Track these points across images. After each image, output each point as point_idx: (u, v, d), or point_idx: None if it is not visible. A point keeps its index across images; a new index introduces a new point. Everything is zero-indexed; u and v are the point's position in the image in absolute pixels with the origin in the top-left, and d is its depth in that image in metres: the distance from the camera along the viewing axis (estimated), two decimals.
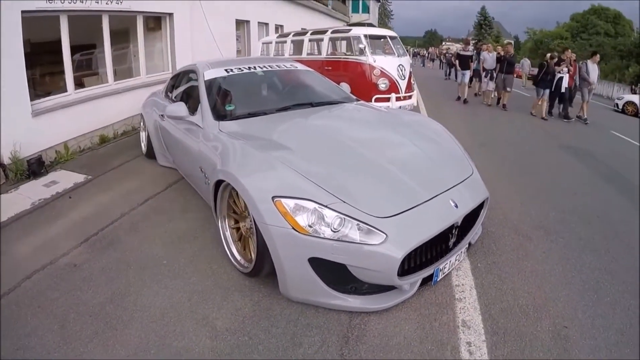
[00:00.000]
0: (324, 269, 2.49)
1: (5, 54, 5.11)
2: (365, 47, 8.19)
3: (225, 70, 4.29)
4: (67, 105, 6.24)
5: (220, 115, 3.73)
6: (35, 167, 5.43)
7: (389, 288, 2.64)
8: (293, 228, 2.44)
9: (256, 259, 2.78)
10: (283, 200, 2.51)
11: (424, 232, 2.53)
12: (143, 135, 5.98)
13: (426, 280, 2.74)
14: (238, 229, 3.13)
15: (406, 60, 8.49)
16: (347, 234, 2.41)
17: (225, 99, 4.05)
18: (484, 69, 12.74)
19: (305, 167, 2.72)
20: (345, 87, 7.52)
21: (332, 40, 9.94)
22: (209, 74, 4.19)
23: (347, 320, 2.59)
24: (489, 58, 12.50)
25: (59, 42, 6.15)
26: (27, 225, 4.00)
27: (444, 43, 79.58)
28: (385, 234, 2.41)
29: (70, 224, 3.98)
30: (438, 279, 2.80)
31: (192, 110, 3.90)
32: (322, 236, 2.41)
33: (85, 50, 7.54)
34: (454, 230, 2.78)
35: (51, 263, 3.26)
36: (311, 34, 9.96)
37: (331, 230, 2.41)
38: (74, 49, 6.44)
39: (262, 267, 2.77)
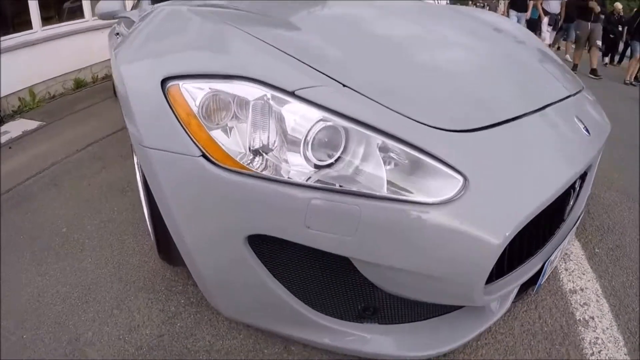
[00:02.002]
0: (293, 267, 1.21)
1: None
2: None
3: None
4: (33, 44, 5.28)
5: None
6: None
7: (451, 308, 1.40)
8: (203, 153, 1.13)
9: (153, 225, 1.58)
10: (185, 84, 1.17)
11: (548, 178, 1.21)
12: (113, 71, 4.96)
13: (524, 288, 1.51)
14: None
15: None
16: (354, 169, 1.06)
17: None
18: (546, 12, 8.82)
19: (276, 35, 1.37)
20: None
21: None
22: None
23: None
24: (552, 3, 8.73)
25: None
26: None
27: None
28: (464, 175, 1.06)
29: None
30: (543, 280, 1.54)
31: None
32: (281, 177, 1.08)
33: None
34: (577, 183, 1.50)
35: None
36: None
37: (310, 158, 1.07)
38: None
39: (169, 242, 1.42)
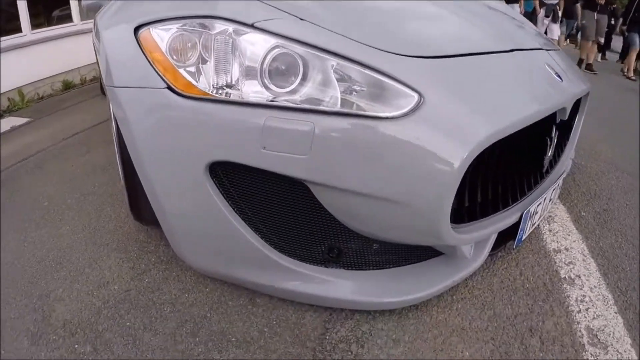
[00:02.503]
0: (252, 198, 1.27)
1: None
2: None
3: None
4: (22, 46, 5.33)
5: None
6: None
7: (424, 255, 1.42)
8: (168, 85, 1.21)
9: (125, 179, 1.62)
10: (154, 28, 1.25)
11: (512, 107, 1.25)
12: (98, 69, 5.01)
13: (503, 241, 1.53)
14: None
15: None
16: (310, 91, 1.12)
17: None
18: (542, 3, 7.85)
19: None
20: None
21: None
22: None
23: (322, 325, 1.40)
24: None
25: None
26: None
27: None
28: (419, 92, 1.12)
29: None
30: (524, 236, 1.55)
31: None
32: (238, 99, 1.15)
33: None
34: (553, 132, 1.54)
35: None
36: None
37: (267, 83, 1.14)
38: None
39: (138, 198, 1.54)
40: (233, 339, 1.34)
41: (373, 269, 1.37)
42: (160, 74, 1.21)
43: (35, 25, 5.67)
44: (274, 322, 1.40)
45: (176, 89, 1.20)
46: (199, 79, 1.18)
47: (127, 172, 1.51)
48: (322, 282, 1.32)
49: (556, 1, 7.96)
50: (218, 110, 1.16)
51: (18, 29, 5.48)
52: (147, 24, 1.28)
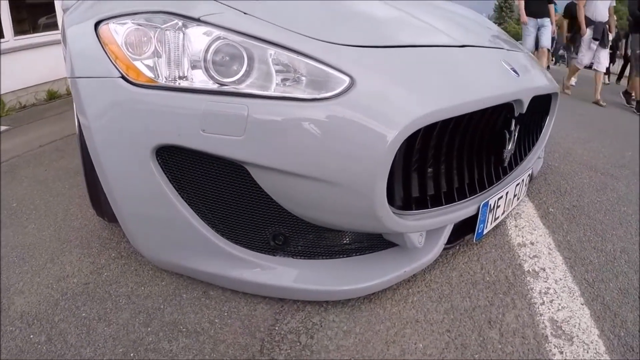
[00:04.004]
0: (197, 183, 1.35)
1: None
2: None
3: None
4: (3, 52, 5.41)
5: None
6: None
7: (376, 246, 1.48)
8: (122, 75, 1.31)
9: (85, 175, 1.72)
10: (112, 23, 1.37)
11: (452, 92, 1.32)
12: None
13: (461, 234, 1.59)
14: None
15: None
16: (251, 82, 1.22)
17: None
18: (589, 22, 6.04)
19: None
20: None
21: None
22: None
23: (273, 316, 1.45)
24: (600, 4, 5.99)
25: None
26: None
27: None
28: (350, 76, 1.20)
29: None
30: (485, 230, 1.59)
31: None
32: (181, 85, 1.26)
33: None
34: (512, 126, 1.60)
35: None
36: None
37: (211, 73, 1.24)
38: None
39: (98, 193, 1.62)
40: (184, 329, 1.40)
41: (323, 258, 1.43)
42: (115, 64, 1.32)
43: (20, 32, 5.76)
44: (225, 314, 1.46)
45: (129, 78, 1.30)
46: (153, 71, 1.29)
47: (87, 165, 1.58)
48: (269, 270, 1.39)
49: (606, 18, 6.11)
50: (165, 96, 1.26)
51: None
52: (106, 19, 1.39)
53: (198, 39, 1.26)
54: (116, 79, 1.31)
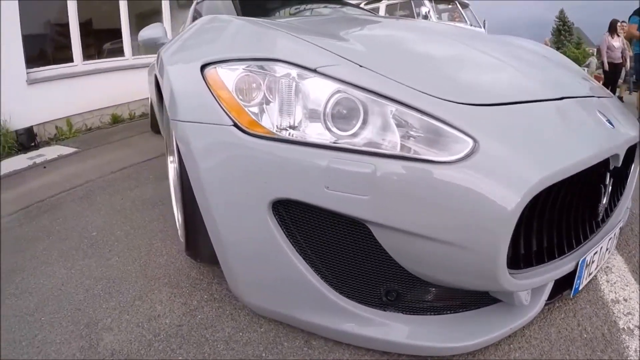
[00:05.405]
0: (314, 237, 1.31)
1: None
2: (429, 12, 7.10)
3: None
4: (72, 76, 5.75)
5: None
6: (24, 140, 4.97)
7: (481, 302, 1.46)
8: (235, 123, 1.31)
9: (184, 217, 1.71)
10: (221, 67, 1.38)
11: (563, 152, 1.28)
12: (150, 106, 5.30)
13: (559, 290, 1.55)
14: None
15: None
16: (369, 135, 1.20)
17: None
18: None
19: (309, 34, 1.56)
20: None
21: (389, 9, 8.84)
22: None
23: None
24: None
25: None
26: None
27: None
28: (474, 138, 1.18)
29: (25, 191, 3.52)
30: (581, 286, 1.56)
31: None
32: (304, 140, 1.24)
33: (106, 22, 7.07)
34: (607, 179, 1.56)
35: None
36: (365, 4, 8.99)
37: (330, 126, 1.23)
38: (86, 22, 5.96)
39: (198, 236, 1.63)
40: None
41: (430, 314, 1.40)
42: (227, 111, 1.32)
43: (86, 56, 6.08)
44: None
45: (242, 127, 1.30)
46: (262, 119, 1.29)
47: (187, 208, 1.60)
48: (379, 325, 1.35)
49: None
50: (283, 149, 1.25)
51: (69, 59, 5.88)
52: (214, 62, 1.42)
53: (316, 90, 1.26)
54: (229, 127, 1.32)
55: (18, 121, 4.98)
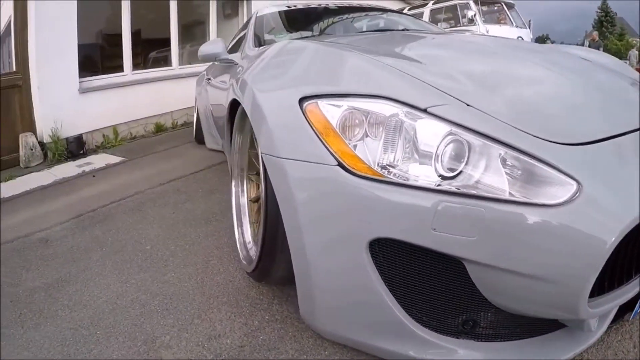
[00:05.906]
0: (403, 271, 1.31)
1: (55, 16, 4.83)
2: (475, 15, 7.05)
3: (288, 6, 3.57)
4: (121, 85, 5.92)
5: (265, 43, 2.85)
6: (74, 148, 5.13)
7: (546, 328, 1.44)
8: (339, 162, 1.29)
9: (262, 242, 1.69)
10: (322, 102, 1.35)
11: None
12: (195, 117, 5.39)
13: (621, 313, 1.54)
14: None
15: (526, 34, 7.20)
16: (477, 178, 1.19)
17: (277, 31, 3.25)
18: None
19: (399, 62, 1.56)
20: None
21: (433, 13, 8.79)
22: (265, 11, 3.46)
23: None
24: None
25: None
26: (33, 199, 3.86)
27: None
28: (577, 180, 1.18)
29: (76, 200, 3.64)
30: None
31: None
32: (412, 183, 1.22)
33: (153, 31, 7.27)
34: None
35: (26, 236, 2.90)
36: (409, 9, 8.99)
37: (438, 168, 1.22)
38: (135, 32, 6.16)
39: (273, 261, 1.67)
40: None
41: (500, 341, 1.39)
42: (331, 150, 1.30)
43: (133, 66, 6.25)
44: None
45: (347, 167, 1.28)
46: (366, 158, 1.26)
47: (268, 232, 1.62)
48: (451, 352, 1.35)
49: None
50: (390, 190, 1.23)
51: (118, 68, 6.05)
52: (314, 96, 1.40)
53: (427, 132, 1.24)
54: (333, 167, 1.29)
55: (69, 129, 5.14)
